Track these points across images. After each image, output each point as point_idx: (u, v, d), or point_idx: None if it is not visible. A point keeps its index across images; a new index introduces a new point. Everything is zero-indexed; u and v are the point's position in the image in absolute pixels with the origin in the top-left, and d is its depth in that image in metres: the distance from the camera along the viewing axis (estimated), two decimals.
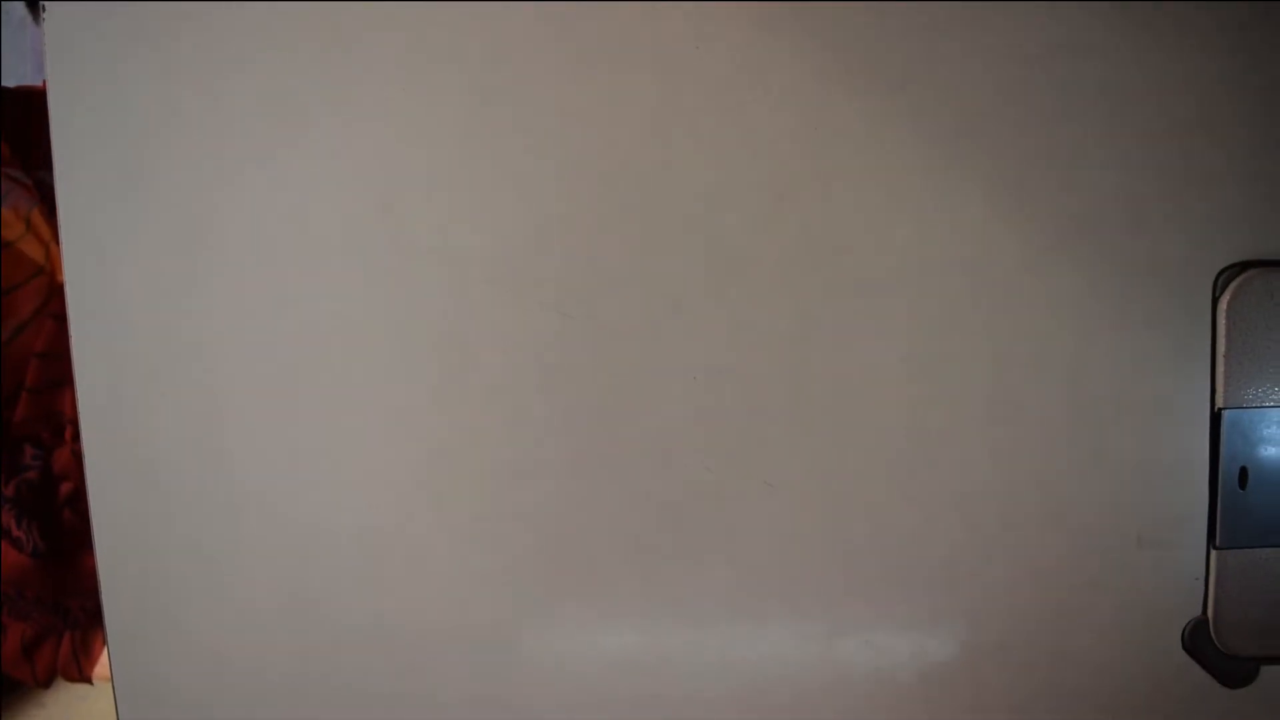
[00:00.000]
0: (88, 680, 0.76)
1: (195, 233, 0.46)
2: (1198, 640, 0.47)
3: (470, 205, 0.45)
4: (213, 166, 0.46)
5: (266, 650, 0.48)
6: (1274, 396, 0.46)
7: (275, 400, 0.47)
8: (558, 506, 0.47)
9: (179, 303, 0.47)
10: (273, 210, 0.46)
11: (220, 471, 0.48)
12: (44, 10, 0.45)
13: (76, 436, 0.50)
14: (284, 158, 0.46)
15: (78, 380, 0.48)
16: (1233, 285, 0.45)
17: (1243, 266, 0.45)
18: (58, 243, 0.49)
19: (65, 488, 0.70)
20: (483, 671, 0.48)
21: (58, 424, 0.70)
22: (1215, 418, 0.46)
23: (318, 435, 0.47)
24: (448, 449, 0.47)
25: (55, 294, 0.68)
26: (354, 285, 0.46)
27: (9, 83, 0.70)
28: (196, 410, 0.47)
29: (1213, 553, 0.47)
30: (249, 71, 0.45)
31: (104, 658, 0.76)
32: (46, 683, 0.74)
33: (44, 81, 0.48)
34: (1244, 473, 0.46)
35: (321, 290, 0.46)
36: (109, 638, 0.50)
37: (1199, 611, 0.47)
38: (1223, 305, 0.45)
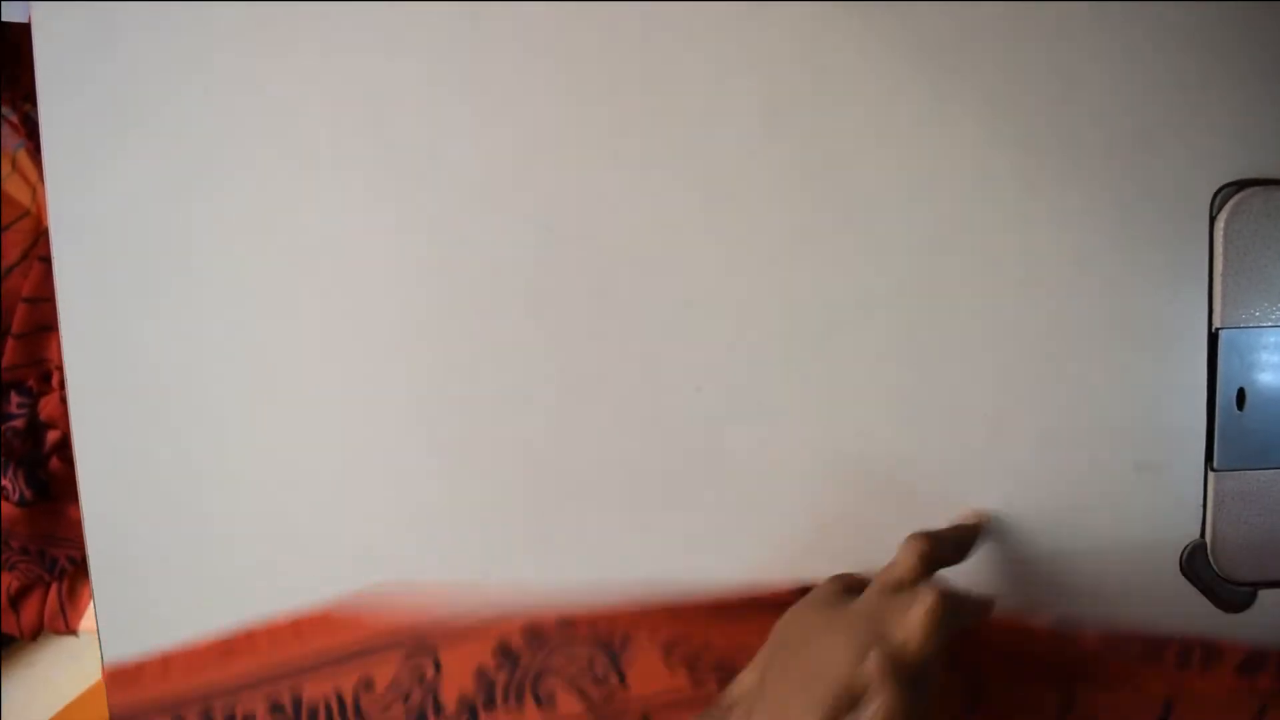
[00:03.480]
0: (73, 632, 0.75)
1: (183, 164, 0.46)
2: (1195, 564, 0.47)
3: (460, 124, 0.45)
4: (199, 92, 0.46)
5: (251, 589, 0.48)
6: (1272, 316, 0.45)
7: (262, 334, 0.46)
8: (547, 432, 0.46)
9: (165, 239, 0.47)
10: (261, 133, 0.46)
11: (206, 412, 0.47)
12: None
13: (64, 383, 0.49)
14: (271, 76, 0.45)
15: (62, 325, 0.47)
16: (1230, 204, 0.45)
17: (1240, 185, 0.45)
18: (44, 184, 0.48)
19: (52, 435, 0.69)
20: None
21: (45, 370, 0.69)
22: (1213, 338, 0.46)
23: (305, 365, 0.46)
24: (436, 376, 0.46)
25: (42, 237, 0.67)
26: (342, 209, 0.46)
27: None
28: (183, 352, 0.47)
29: (1210, 475, 0.46)
30: None
31: (90, 609, 0.75)
32: (33, 635, 0.73)
33: (29, 15, 0.48)
34: (1241, 393, 0.46)
35: (309, 216, 0.46)
36: (94, 587, 0.50)
37: (1197, 535, 0.47)
38: (1220, 224, 0.45)
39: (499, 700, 0.47)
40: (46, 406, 0.68)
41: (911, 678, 0.35)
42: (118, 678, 0.48)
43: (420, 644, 0.47)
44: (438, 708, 0.48)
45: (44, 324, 0.68)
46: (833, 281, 0.45)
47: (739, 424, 0.46)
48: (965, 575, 0.44)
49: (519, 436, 0.46)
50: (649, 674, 0.47)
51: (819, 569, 0.46)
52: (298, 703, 0.48)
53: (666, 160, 0.45)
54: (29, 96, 0.63)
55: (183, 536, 0.49)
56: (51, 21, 0.46)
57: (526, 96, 0.45)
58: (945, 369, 0.46)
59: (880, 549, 0.47)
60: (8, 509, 0.68)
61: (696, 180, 0.45)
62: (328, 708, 0.48)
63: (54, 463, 0.69)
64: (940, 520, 0.46)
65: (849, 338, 0.46)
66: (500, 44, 0.44)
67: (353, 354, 0.46)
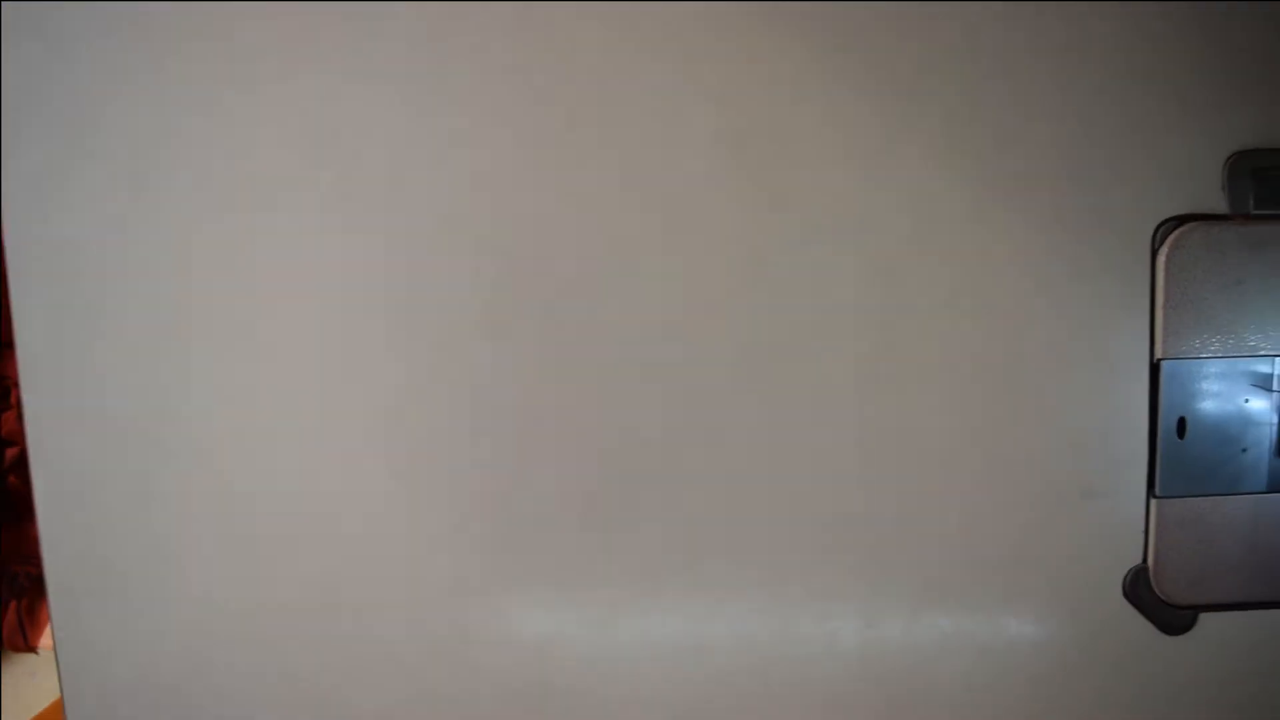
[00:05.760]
0: (33, 649, 0.75)
1: (140, 189, 0.46)
2: (1138, 588, 0.48)
3: (416, 152, 0.45)
4: (158, 118, 0.46)
5: (211, 613, 0.48)
6: (1211, 347, 0.47)
7: (221, 360, 0.47)
8: (506, 457, 0.47)
9: (123, 261, 0.47)
10: (220, 160, 0.46)
11: (165, 432, 0.47)
12: None
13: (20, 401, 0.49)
14: (231, 104, 0.45)
15: (18, 341, 0.47)
16: (1171, 238, 0.46)
17: (1180, 220, 0.46)
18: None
19: (11, 453, 0.68)
20: (432, 630, 0.48)
21: (2, 387, 0.68)
22: (1154, 368, 0.47)
23: (264, 393, 0.46)
24: (396, 402, 0.46)
25: None
26: (301, 235, 0.46)
27: None
28: (141, 372, 0.47)
29: (1152, 502, 0.48)
30: (194, 16, 0.45)
31: (50, 627, 0.75)
32: None
33: None
34: (1182, 423, 0.47)
35: (268, 242, 0.46)
36: (51, 607, 0.50)
37: (1139, 560, 0.48)
38: (1161, 258, 0.46)
39: None
40: (5, 424, 0.68)
41: None
42: None
43: None
44: None
45: None
46: (786, 311, 0.46)
47: (695, 448, 0.47)
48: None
49: (478, 463, 0.47)
50: None
51: (772, 591, 0.47)
52: None
53: (623, 190, 0.45)
54: None
55: (139, 558, 0.48)
56: (8, 47, 0.46)
57: (485, 127, 0.45)
58: (897, 397, 0.47)
59: (837, 572, 0.48)
60: None
61: (653, 210, 0.46)
62: None
63: (12, 479, 0.69)
64: (894, 545, 0.47)
65: (804, 364, 0.46)
66: (459, 75, 0.45)
67: (311, 379, 0.46)
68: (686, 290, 0.46)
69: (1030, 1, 0.45)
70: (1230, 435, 0.47)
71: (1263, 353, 0.47)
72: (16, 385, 0.65)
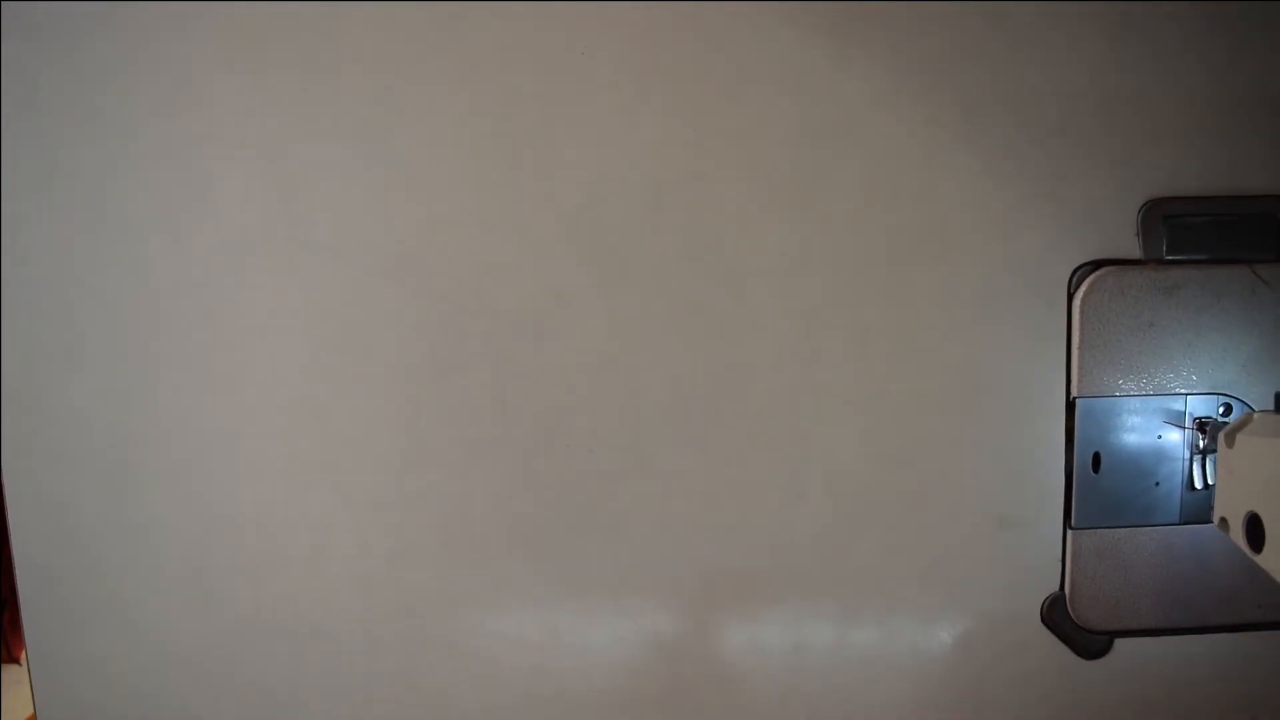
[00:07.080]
0: (15, 660, 0.77)
1: (107, 234, 0.48)
2: (1055, 614, 0.50)
3: (365, 200, 0.47)
4: (125, 165, 0.48)
5: (175, 629, 0.50)
6: (1124, 387, 0.49)
7: (180, 387, 0.49)
8: (450, 490, 0.49)
9: (89, 290, 0.49)
10: (181, 206, 0.48)
11: (130, 454, 0.49)
12: None
13: None
14: (191, 151, 0.48)
15: None
16: (1086, 283, 0.48)
17: (1096, 265, 0.49)
18: None
19: None
20: (381, 650, 0.50)
21: None
22: (1070, 406, 0.49)
23: (220, 421, 0.49)
24: (346, 436, 0.49)
25: None
26: (255, 276, 0.48)
27: None
28: (108, 395, 0.49)
29: (1069, 532, 0.50)
30: (158, 68, 0.47)
31: None
32: None
33: None
34: (1097, 458, 0.49)
35: (224, 280, 0.48)
36: (25, 629, 0.52)
37: (1056, 588, 0.50)
38: (1077, 301, 0.49)
39: None
40: None
41: None
42: None
43: None
44: None
45: None
46: (715, 351, 0.48)
47: (628, 483, 0.49)
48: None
49: (425, 494, 0.49)
50: None
51: (704, 620, 0.50)
52: None
53: (561, 238, 0.48)
54: None
55: (108, 583, 0.51)
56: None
57: (431, 176, 0.47)
58: (821, 433, 0.49)
59: (762, 600, 0.50)
60: None
61: (589, 257, 0.48)
62: None
63: None
64: (819, 572, 0.49)
65: (731, 403, 0.49)
66: (405, 127, 0.47)
67: (267, 414, 0.49)
68: (621, 334, 0.48)
69: (951, 53, 0.47)
70: (1144, 469, 0.50)
71: (1174, 391, 0.49)
72: None
